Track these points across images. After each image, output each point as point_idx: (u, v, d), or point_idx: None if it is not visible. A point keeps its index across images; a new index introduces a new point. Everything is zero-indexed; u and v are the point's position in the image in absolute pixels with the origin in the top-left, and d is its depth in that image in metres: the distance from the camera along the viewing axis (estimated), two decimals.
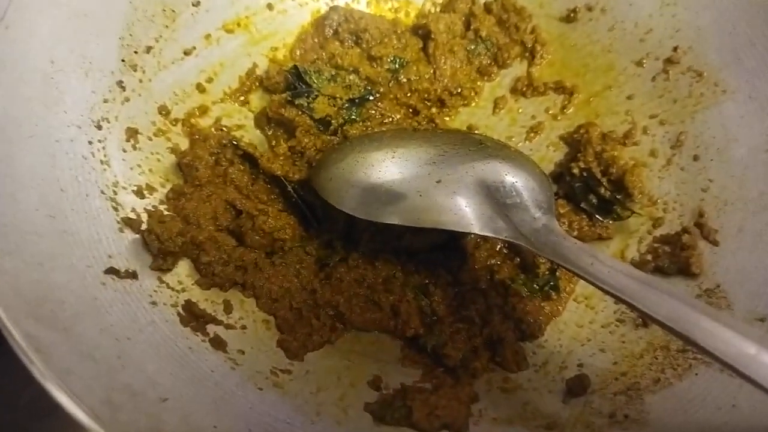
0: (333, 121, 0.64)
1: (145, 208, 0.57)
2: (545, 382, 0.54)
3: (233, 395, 0.48)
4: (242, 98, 0.68)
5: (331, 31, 0.70)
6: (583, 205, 0.62)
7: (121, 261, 0.52)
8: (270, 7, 0.71)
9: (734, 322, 0.38)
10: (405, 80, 0.68)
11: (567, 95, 0.69)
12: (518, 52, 0.71)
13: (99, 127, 0.57)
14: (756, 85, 0.59)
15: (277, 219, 0.59)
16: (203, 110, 0.65)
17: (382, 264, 0.59)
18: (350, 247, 0.60)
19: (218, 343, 0.52)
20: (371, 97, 0.66)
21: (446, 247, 0.60)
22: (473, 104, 0.71)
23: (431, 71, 0.69)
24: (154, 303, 0.52)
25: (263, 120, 0.67)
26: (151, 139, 0.61)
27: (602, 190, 0.61)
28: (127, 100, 0.60)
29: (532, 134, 0.68)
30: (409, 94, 0.68)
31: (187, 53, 0.65)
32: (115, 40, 0.60)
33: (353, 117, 0.65)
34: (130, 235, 0.55)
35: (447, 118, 0.69)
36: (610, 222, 0.61)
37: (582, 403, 0.51)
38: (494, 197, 0.52)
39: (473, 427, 0.50)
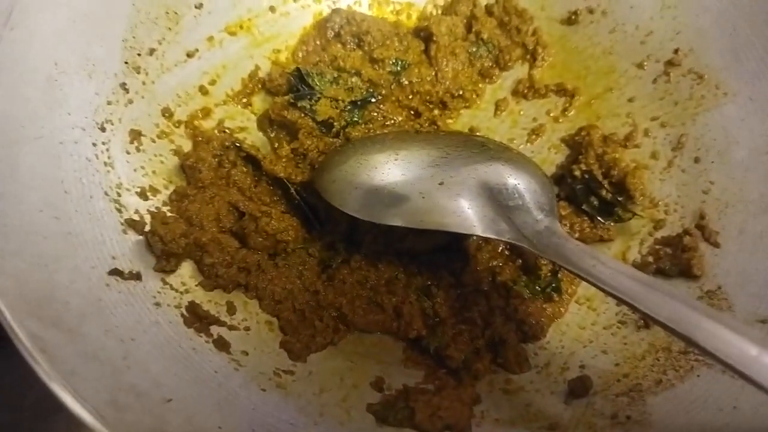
0: (335, 124, 0.64)
1: (148, 210, 0.57)
2: (547, 383, 0.54)
3: (237, 396, 0.49)
4: (245, 100, 0.68)
5: (333, 34, 0.70)
6: (584, 207, 0.62)
7: (124, 262, 0.52)
8: (272, 9, 0.71)
9: (736, 324, 0.38)
10: (407, 82, 0.68)
11: (568, 97, 0.69)
12: (519, 54, 0.72)
13: (102, 129, 0.57)
14: (757, 87, 0.59)
15: (280, 221, 0.59)
16: (206, 112, 0.66)
17: (384, 266, 0.60)
18: (353, 249, 0.60)
19: (222, 344, 0.52)
20: (373, 100, 0.66)
21: (448, 248, 0.61)
22: (475, 106, 0.71)
23: (433, 73, 0.69)
24: (158, 304, 0.52)
25: (266, 122, 0.67)
26: (154, 141, 0.61)
27: (603, 192, 0.61)
28: (131, 102, 0.60)
29: (533, 136, 0.68)
30: (410, 97, 0.68)
31: (189, 55, 0.66)
32: (118, 42, 0.60)
33: (355, 119, 0.65)
34: (133, 237, 0.55)
35: (449, 120, 0.70)
36: (612, 224, 0.62)
37: (584, 405, 0.51)
38: (497, 199, 0.52)
39: (476, 429, 0.50)
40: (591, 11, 0.70)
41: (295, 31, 0.72)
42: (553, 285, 0.59)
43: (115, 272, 0.51)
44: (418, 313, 0.57)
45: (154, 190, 0.59)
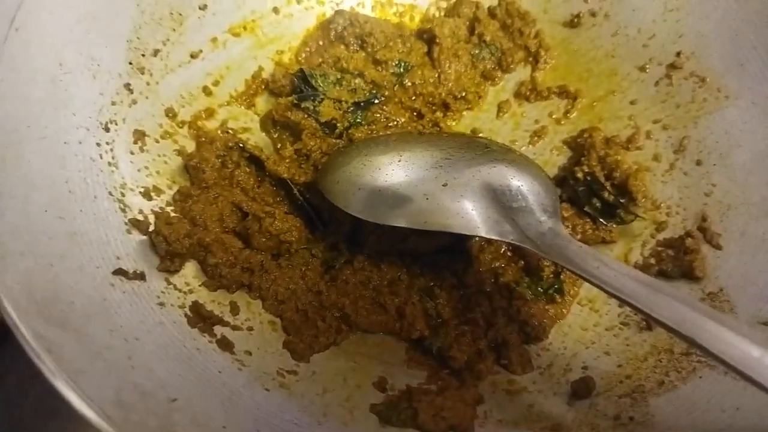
0: (338, 125, 0.64)
1: (152, 210, 0.57)
2: (550, 384, 0.54)
3: (241, 396, 0.49)
4: (248, 101, 0.68)
5: (337, 35, 0.71)
6: (586, 208, 0.62)
7: (129, 262, 0.53)
8: (276, 11, 0.71)
9: (739, 325, 0.39)
10: (410, 84, 0.69)
11: (570, 100, 0.69)
12: (522, 56, 0.72)
13: (107, 130, 0.57)
14: (759, 91, 0.59)
15: (283, 221, 0.59)
16: (210, 113, 0.66)
17: (387, 266, 0.60)
18: (356, 250, 0.60)
19: (225, 344, 0.53)
20: (376, 101, 0.67)
21: (451, 250, 0.61)
22: (477, 108, 0.71)
23: (436, 75, 0.69)
24: (161, 304, 0.52)
25: (269, 123, 0.67)
26: (158, 142, 0.61)
27: (606, 194, 0.62)
28: (135, 102, 0.60)
29: (535, 138, 0.69)
30: (413, 98, 0.69)
31: (193, 56, 0.66)
32: (122, 42, 0.60)
33: (358, 120, 0.65)
34: (137, 237, 0.55)
35: (451, 122, 0.70)
36: (614, 226, 0.62)
37: (587, 406, 0.51)
38: (500, 201, 0.53)
39: (479, 429, 0.50)
40: (593, 14, 0.70)
41: (299, 33, 0.72)
42: (556, 286, 0.59)
43: (120, 272, 0.51)
44: (420, 314, 0.57)
45: (158, 190, 0.59)
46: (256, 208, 0.60)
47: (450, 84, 0.70)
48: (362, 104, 0.66)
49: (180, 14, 0.65)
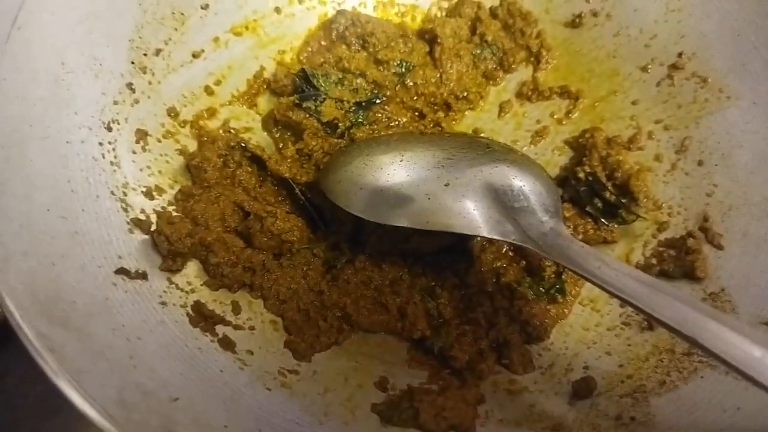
0: (340, 124, 0.64)
1: (154, 209, 0.57)
2: (551, 384, 0.54)
3: (242, 395, 0.49)
4: (250, 101, 0.68)
5: (338, 35, 0.71)
6: (588, 208, 0.62)
7: (131, 262, 0.53)
8: (278, 10, 0.71)
9: (740, 325, 0.39)
10: (411, 84, 0.69)
11: (572, 100, 0.69)
12: (524, 56, 0.72)
13: (109, 129, 0.57)
14: (760, 91, 0.60)
15: (285, 221, 0.59)
16: (211, 112, 0.66)
17: (389, 266, 0.60)
18: (357, 249, 0.61)
19: (227, 344, 0.53)
20: (378, 101, 0.67)
21: (453, 249, 0.61)
22: (479, 108, 0.71)
23: (437, 75, 0.69)
24: (163, 303, 0.52)
25: (271, 122, 0.68)
26: (160, 141, 0.61)
27: (607, 194, 0.62)
28: (137, 102, 0.60)
29: (537, 138, 0.69)
30: (415, 98, 0.69)
31: (195, 56, 0.66)
32: (125, 42, 0.60)
33: (360, 120, 0.66)
34: (139, 236, 0.55)
35: (453, 122, 0.70)
36: (615, 226, 0.62)
37: (588, 406, 0.51)
38: (502, 201, 0.53)
39: (480, 429, 0.50)
40: (595, 14, 0.70)
41: (301, 32, 0.72)
42: (557, 286, 0.59)
43: (122, 271, 0.51)
44: (422, 314, 0.58)
45: (160, 190, 0.59)
46: (257, 207, 0.60)
47: (451, 84, 0.70)
48: (364, 104, 0.66)
49: (182, 14, 0.65)
